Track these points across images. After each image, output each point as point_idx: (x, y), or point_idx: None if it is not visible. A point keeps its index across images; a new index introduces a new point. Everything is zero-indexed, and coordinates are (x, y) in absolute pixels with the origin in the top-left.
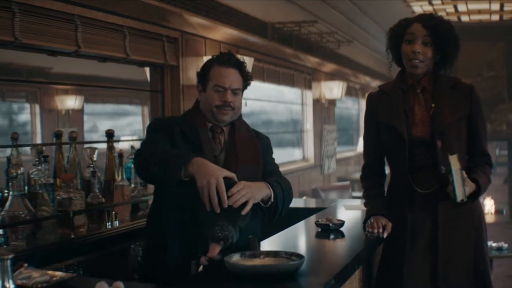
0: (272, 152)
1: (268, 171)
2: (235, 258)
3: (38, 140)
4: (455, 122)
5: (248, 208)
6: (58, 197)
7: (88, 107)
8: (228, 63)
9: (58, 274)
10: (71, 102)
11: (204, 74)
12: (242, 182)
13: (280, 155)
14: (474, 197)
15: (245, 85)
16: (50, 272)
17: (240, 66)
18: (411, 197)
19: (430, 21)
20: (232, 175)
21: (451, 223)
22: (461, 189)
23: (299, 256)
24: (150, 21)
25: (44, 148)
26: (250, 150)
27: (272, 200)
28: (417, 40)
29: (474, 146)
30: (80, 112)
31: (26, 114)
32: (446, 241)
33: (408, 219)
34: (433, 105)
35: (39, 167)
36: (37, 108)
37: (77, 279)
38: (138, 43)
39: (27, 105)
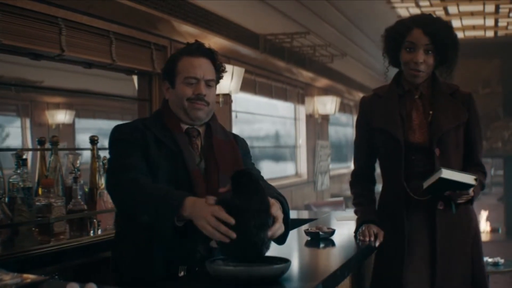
0: (251, 157)
1: None
2: (218, 262)
3: (29, 155)
4: (453, 129)
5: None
6: (37, 203)
7: (79, 122)
8: (198, 53)
9: (31, 277)
10: (61, 116)
11: (171, 68)
12: (275, 205)
13: (273, 170)
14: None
15: (218, 77)
16: (24, 275)
17: (212, 56)
18: (406, 205)
19: (430, 26)
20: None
21: (448, 234)
22: (465, 176)
23: (285, 261)
24: (137, 27)
25: (25, 155)
26: (229, 156)
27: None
28: (418, 49)
29: (469, 155)
30: (70, 126)
31: (17, 127)
32: (444, 252)
33: (405, 228)
34: (430, 112)
35: (18, 171)
36: (27, 122)
37: (50, 282)
38: (125, 50)
39: (18, 119)
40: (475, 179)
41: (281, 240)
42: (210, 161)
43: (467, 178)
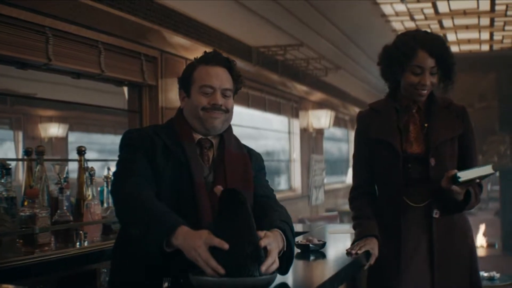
0: (265, 173)
1: (260, 195)
2: (202, 273)
3: (19, 167)
4: (449, 141)
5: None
6: (21, 213)
7: (73, 136)
8: (215, 62)
9: (10, 287)
10: (54, 129)
11: (187, 76)
12: (269, 238)
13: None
14: (461, 207)
15: (236, 87)
16: (3, 285)
17: (229, 65)
18: (403, 213)
19: (434, 47)
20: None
21: (446, 244)
22: (480, 170)
23: (270, 272)
24: (127, 38)
25: (11, 165)
26: (240, 171)
27: (285, 248)
28: (425, 72)
29: (465, 167)
30: (64, 140)
31: (10, 140)
32: (442, 263)
33: (401, 235)
34: (426, 124)
35: (2, 181)
36: (20, 135)
37: None
38: (114, 60)
39: (11, 132)
40: (492, 166)
41: (283, 270)
42: (219, 174)
43: (485, 170)
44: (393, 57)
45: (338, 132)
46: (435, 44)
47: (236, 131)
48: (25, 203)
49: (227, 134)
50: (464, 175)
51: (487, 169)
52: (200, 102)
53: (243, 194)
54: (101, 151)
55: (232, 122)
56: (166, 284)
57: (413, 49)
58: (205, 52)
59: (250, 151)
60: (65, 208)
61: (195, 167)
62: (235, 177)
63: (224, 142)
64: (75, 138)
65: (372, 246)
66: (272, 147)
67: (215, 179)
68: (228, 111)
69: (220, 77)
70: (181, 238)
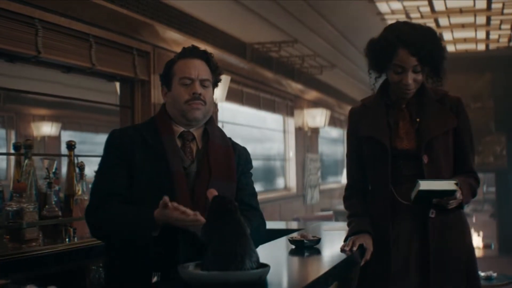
0: (251, 167)
1: (243, 203)
2: (191, 267)
3: (12, 164)
4: (442, 135)
5: None
6: (8, 208)
7: (65, 134)
8: (193, 55)
9: None
10: (47, 128)
11: (167, 72)
12: None
13: (261, 183)
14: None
15: (215, 79)
16: None
17: (207, 57)
18: (394, 211)
19: (416, 45)
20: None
21: (441, 246)
22: (444, 183)
23: (263, 266)
24: (119, 32)
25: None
26: (224, 162)
27: None
28: (406, 71)
29: (460, 162)
30: (57, 139)
31: (2, 140)
32: (437, 266)
33: (389, 234)
34: (417, 119)
35: None
36: (12, 134)
37: (11, 285)
38: (105, 54)
39: (3, 131)
40: (456, 183)
41: None
42: (203, 165)
43: (447, 185)
44: (375, 53)
45: (334, 131)
46: (417, 41)
47: (238, 132)
48: (13, 198)
49: (210, 126)
50: (426, 185)
51: (450, 184)
52: (181, 95)
53: (233, 202)
54: (94, 151)
55: (226, 119)
56: (155, 279)
57: (394, 47)
58: (183, 48)
59: (234, 145)
60: (53, 203)
61: (172, 157)
62: (219, 167)
63: (208, 134)
64: (68, 137)
65: (366, 240)
66: (269, 146)
67: (199, 169)
68: (207, 104)
69: (198, 68)
70: (161, 216)
